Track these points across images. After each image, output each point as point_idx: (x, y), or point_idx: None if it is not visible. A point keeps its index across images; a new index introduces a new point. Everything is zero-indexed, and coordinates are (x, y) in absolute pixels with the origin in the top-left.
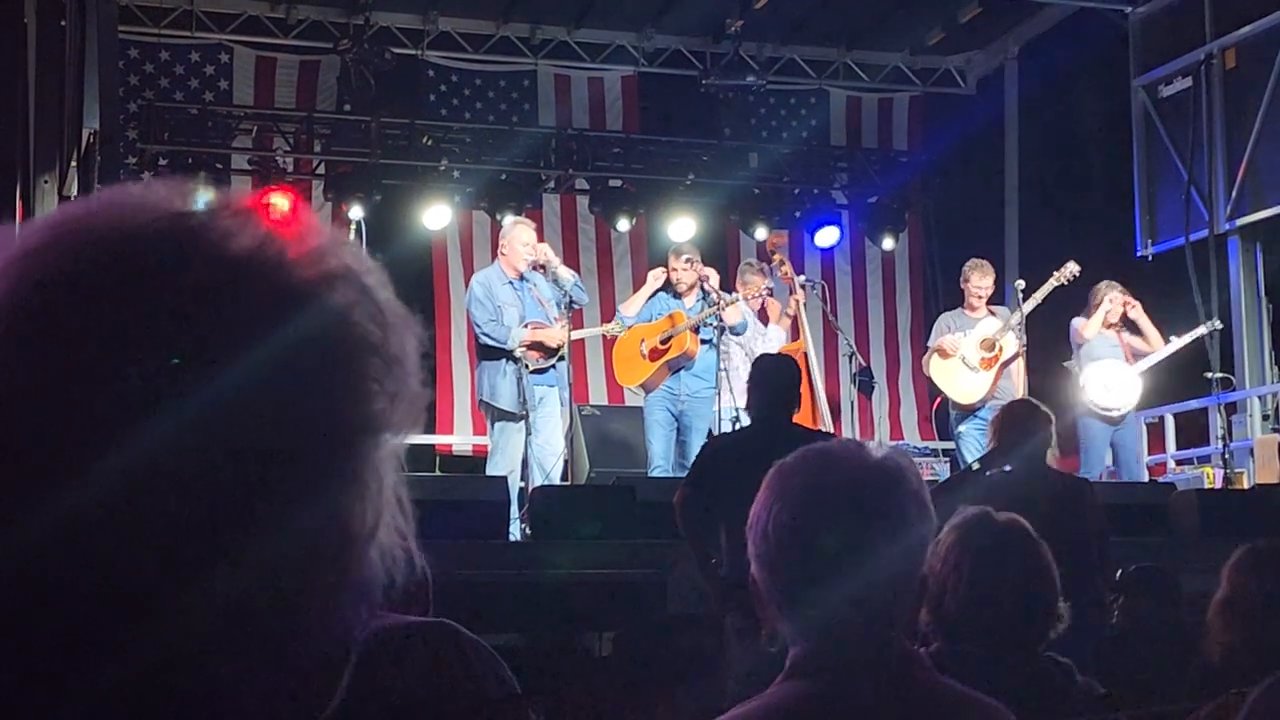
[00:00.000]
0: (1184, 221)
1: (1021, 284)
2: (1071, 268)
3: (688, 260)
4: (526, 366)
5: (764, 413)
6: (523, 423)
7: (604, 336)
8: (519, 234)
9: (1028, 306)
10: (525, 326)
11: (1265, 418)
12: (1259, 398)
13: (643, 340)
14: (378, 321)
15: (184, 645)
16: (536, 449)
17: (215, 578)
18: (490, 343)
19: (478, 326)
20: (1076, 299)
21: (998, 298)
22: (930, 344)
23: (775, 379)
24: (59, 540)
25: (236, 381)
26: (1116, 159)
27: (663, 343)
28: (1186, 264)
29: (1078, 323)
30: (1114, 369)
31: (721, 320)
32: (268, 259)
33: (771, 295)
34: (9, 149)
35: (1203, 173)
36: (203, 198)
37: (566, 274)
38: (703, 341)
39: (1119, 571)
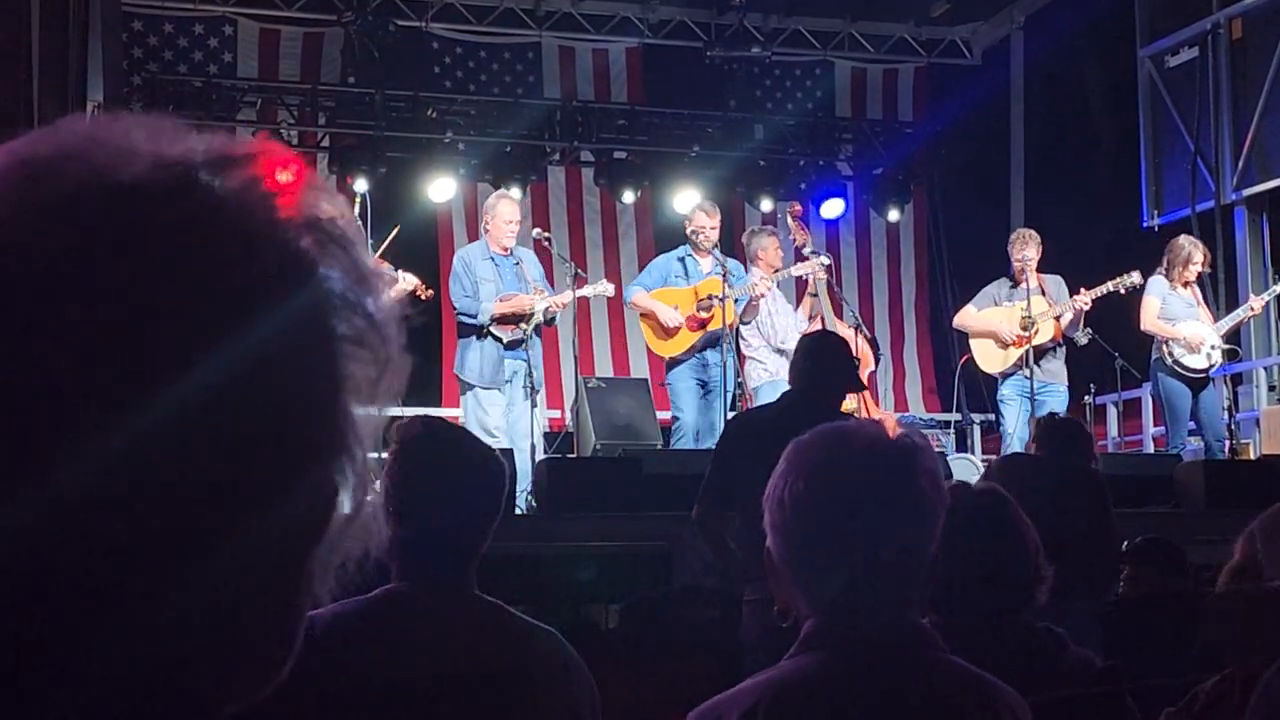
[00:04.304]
0: (1190, 192)
1: None
2: (1134, 278)
3: (718, 219)
4: (500, 341)
5: (798, 387)
6: (494, 394)
7: (608, 300)
8: (503, 211)
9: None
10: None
11: (1271, 389)
12: (1265, 369)
13: (676, 307)
14: (360, 282)
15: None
16: (509, 424)
17: (196, 571)
18: (463, 319)
19: (453, 302)
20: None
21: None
22: (974, 305)
23: (816, 359)
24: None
25: (227, 366)
26: (1122, 130)
27: (703, 310)
28: (1193, 235)
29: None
30: (1199, 330)
31: (751, 296)
32: (270, 220)
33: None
34: (12, 122)
35: (1209, 143)
36: (193, 139)
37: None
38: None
39: (1124, 544)
